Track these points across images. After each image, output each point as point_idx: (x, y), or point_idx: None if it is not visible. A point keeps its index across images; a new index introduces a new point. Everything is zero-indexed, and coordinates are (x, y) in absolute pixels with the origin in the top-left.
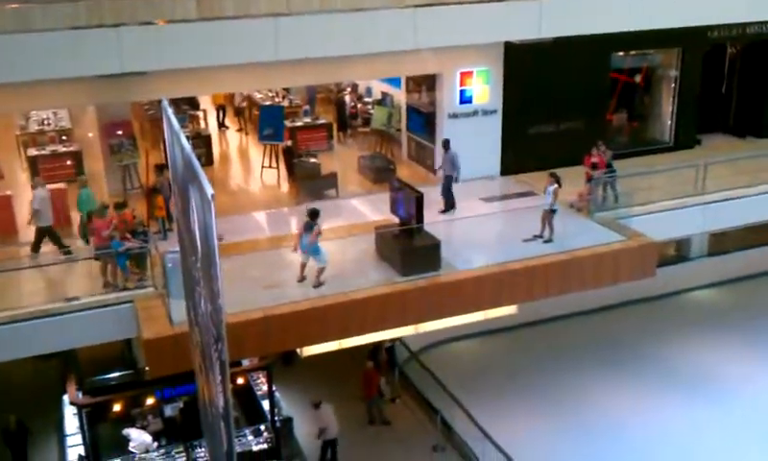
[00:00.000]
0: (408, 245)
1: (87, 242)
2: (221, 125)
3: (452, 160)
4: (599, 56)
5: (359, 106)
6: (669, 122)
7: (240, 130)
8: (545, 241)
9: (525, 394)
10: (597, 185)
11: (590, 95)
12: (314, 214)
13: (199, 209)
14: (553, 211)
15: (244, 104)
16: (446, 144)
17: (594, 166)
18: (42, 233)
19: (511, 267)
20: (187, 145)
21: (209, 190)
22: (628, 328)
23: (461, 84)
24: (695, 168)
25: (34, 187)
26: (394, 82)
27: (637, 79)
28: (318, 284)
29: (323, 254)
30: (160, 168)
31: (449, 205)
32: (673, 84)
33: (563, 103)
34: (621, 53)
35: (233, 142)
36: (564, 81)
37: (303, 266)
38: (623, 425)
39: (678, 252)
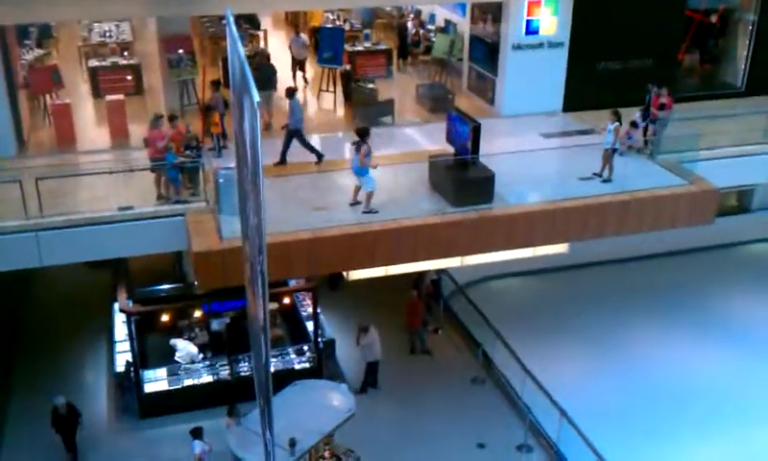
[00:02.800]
0: (461, 176)
1: None
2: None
3: (292, 110)
4: None
5: (421, 33)
6: (743, 66)
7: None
8: (604, 181)
9: (569, 335)
10: (662, 127)
11: (663, 33)
12: (362, 133)
13: (248, 118)
14: (614, 150)
15: None
16: (289, 93)
17: (662, 107)
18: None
19: (564, 205)
20: (243, 53)
21: (256, 97)
22: (681, 277)
23: (528, 14)
24: (766, 115)
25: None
26: (458, 8)
27: (713, 19)
28: (368, 210)
29: (370, 179)
30: (216, 84)
31: (317, 155)
32: (750, 27)
33: (633, 39)
34: None
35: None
36: (636, 16)
37: (357, 189)
38: (666, 374)
39: (739, 202)
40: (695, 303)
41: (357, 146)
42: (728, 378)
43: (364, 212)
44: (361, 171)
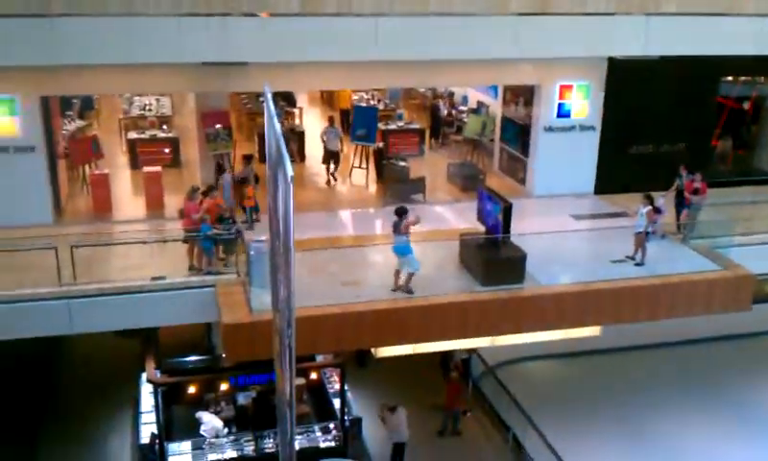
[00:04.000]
0: (492, 255)
1: None
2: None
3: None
4: (707, 79)
5: (453, 113)
6: None
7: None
8: (637, 264)
9: (602, 422)
10: (696, 212)
11: (694, 119)
12: (401, 212)
13: (281, 192)
14: (646, 234)
15: None
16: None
17: (696, 192)
18: None
19: (597, 287)
20: (279, 129)
21: (290, 172)
22: (717, 366)
23: (559, 98)
24: None
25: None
26: (491, 90)
27: (746, 106)
28: (408, 291)
29: (414, 259)
30: (248, 158)
31: None
32: None
33: (665, 124)
34: (730, 78)
35: None
36: (668, 102)
37: (398, 274)
38: None
39: None
40: (732, 394)
41: (396, 226)
42: None
43: (405, 291)
44: (404, 249)
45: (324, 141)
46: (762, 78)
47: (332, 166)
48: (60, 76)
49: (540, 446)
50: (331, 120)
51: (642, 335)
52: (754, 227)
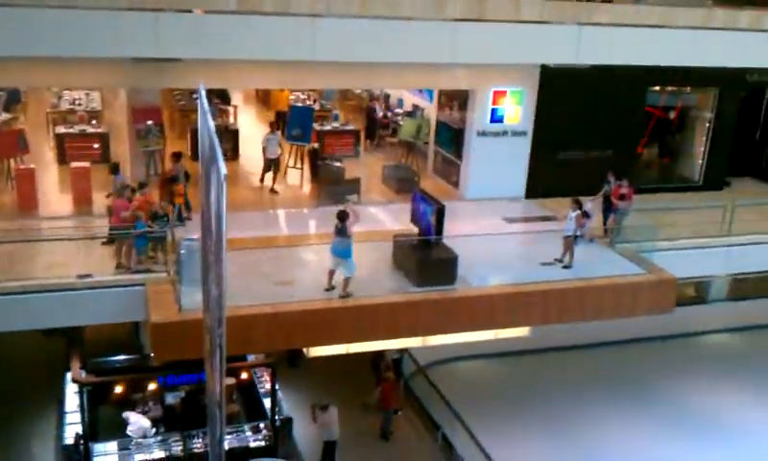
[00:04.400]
0: (425, 256)
1: None
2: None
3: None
4: (635, 88)
5: (389, 115)
6: (700, 161)
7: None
8: (564, 266)
9: (530, 421)
10: (622, 217)
11: (623, 126)
12: (343, 216)
13: (214, 190)
14: (575, 237)
15: None
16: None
17: (622, 197)
18: None
19: (526, 289)
20: (213, 127)
21: (223, 170)
22: (641, 366)
23: (493, 103)
24: (722, 209)
25: None
26: (426, 94)
27: (672, 115)
28: (345, 295)
29: (352, 262)
30: (177, 156)
31: None
32: (707, 125)
33: (594, 131)
34: (657, 88)
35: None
36: (598, 109)
37: (332, 274)
38: None
39: (697, 293)
40: (654, 393)
41: (339, 230)
42: None
43: (341, 297)
44: (344, 252)
45: (264, 150)
46: (688, 88)
47: (271, 174)
48: None
49: (470, 444)
50: (272, 125)
51: (571, 336)
52: (677, 232)
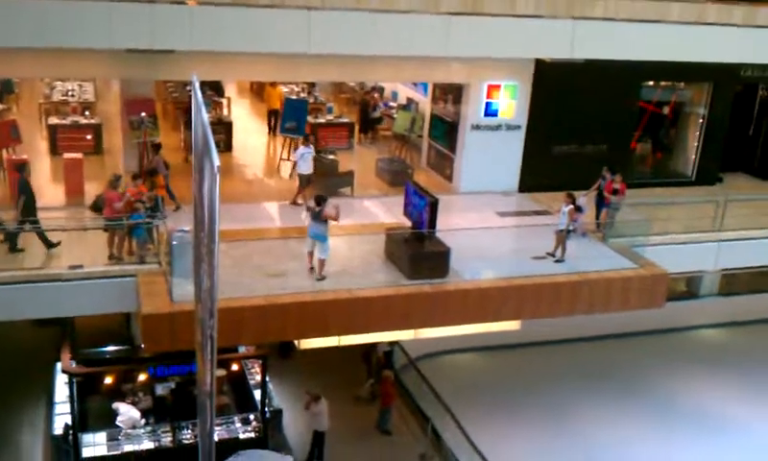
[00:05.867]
0: (417, 249)
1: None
2: (273, 131)
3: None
4: (629, 83)
5: (382, 109)
6: (693, 157)
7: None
8: (557, 261)
9: (520, 413)
10: (615, 211)
11: (617, 121)
12: (320, 201)
13: (207, 182)
14: (568, 231)
15: None
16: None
17: (615, 192)
18: None
19: (518, 282)
20: (206, 118)
21: (216, 161)
22: (631, 360)
23: (487, 97)
24: (714, 204)
25: None
26: (421, 87)
27: (665, 110)
28: (321, 278)
29: (327, 246)
30: (156, 147)
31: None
32: (700, 120)
33: (588, 126)
34: (651, 83)
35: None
36: (592, 104)
37: (311, 255)
38: (615, 458)
39: (688, 288)
40: (644, 387)
41: (315, 214)
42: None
43: (317, 280)
44: (320, 236)
45: (296, 165)
46: (682, 83)
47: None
48: None
49: (459, 436)
50: (306, 139)
51: (561, 330)
52: (669, 227)
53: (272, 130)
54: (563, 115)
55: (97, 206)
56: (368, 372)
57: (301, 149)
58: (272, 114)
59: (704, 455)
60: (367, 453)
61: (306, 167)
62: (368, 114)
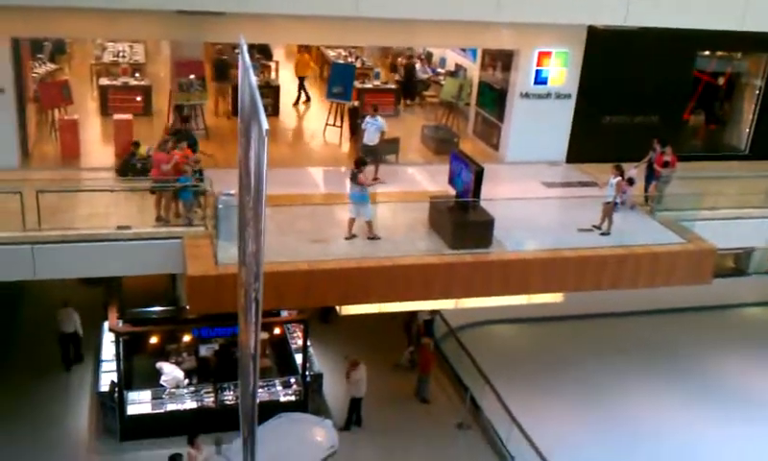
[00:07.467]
0: (461, 218)
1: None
2: (298, 99)
3: None
4: (684, 52)
5: (430, 75)
6: (747, 130)
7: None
8: (603, 233)
9: (559, 386)
10: (664, 185)
11: (670, 91)
12: (359, 163)
13: (254, 146)
14: (616, 204)
15: None
16: None
17: (666, 164)
18: None
19: (562, 254)
20: (254, 81)
21: (265, 125)
22: (675, 336)
23: (537, 64)
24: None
25: None
26: (469, 54)
27: (720, 81)
28: (372, 237)
29: (368, 208)
30: (184, 119)
31: None
32: (757, 92)
33: (640, 96)
34: (707, 53)
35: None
36: (645, 73)
37: (352, 222)
38: (655, 434)
39: (736, 265)
40: (688, 365)
41: (354, 176)
42: (717, 442)
43: (369, 238)
44: (359, 197)
45: (362, 135)
46: (738, 54)
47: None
48: (31, 17)
49: (497, 407)
50: (375, 109)
51: (605, 304)
52: (720, 202)
53: (297, 101)
54: (614, 84)
55: (123, 171)
56: (408, 340)
57: (369, 119)
58: (301, 82)
59: (747, 434)
60: (404, 420)
61: (370, 138)
62: (412, 79)
